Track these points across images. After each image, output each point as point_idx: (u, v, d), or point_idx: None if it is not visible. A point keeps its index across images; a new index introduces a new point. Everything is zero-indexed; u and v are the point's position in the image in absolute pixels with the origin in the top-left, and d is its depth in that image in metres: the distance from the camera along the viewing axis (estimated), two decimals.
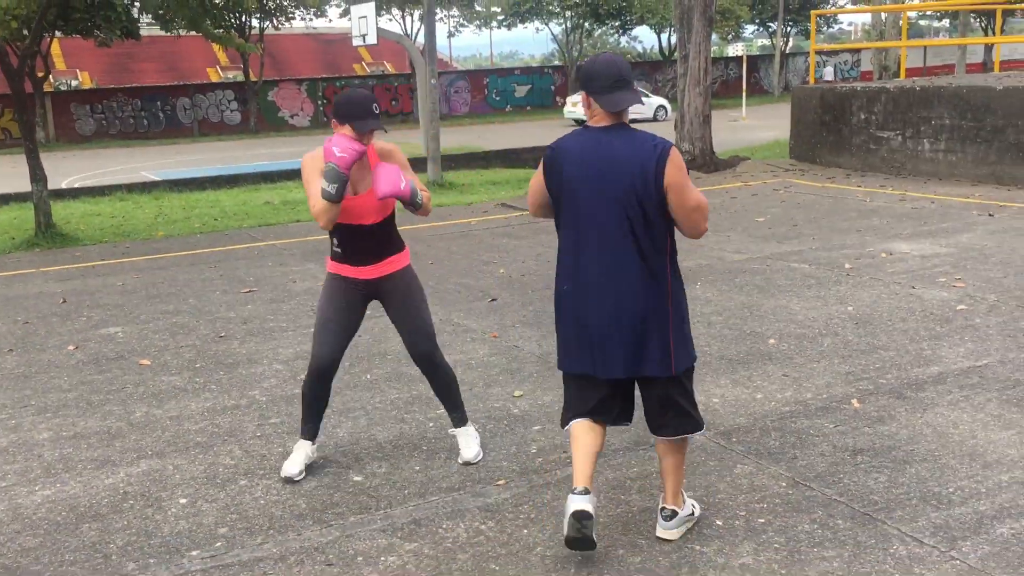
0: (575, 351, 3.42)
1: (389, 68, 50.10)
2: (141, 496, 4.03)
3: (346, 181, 3.76)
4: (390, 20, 44.36)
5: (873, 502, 3.67)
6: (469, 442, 4.29)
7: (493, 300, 7.20)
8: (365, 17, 24.82)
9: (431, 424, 4.72)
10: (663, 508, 3.50)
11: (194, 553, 3.53)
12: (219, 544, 3.59)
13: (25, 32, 11.22)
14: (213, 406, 5.12)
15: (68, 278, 8.83)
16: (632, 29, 49.13)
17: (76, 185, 20.13)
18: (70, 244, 10.87)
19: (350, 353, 5.93)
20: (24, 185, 18.42)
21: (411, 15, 46.19)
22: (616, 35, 50.73)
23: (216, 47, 47.34)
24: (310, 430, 4.23)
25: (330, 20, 43.65)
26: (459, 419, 4.33)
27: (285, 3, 37.30)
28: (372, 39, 24.63)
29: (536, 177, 3.50)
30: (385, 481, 4.09)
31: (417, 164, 19.55)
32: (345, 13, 42.59)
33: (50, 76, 36.48)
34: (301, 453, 4.19)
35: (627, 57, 59.36)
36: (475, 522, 3.69)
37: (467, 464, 4.22)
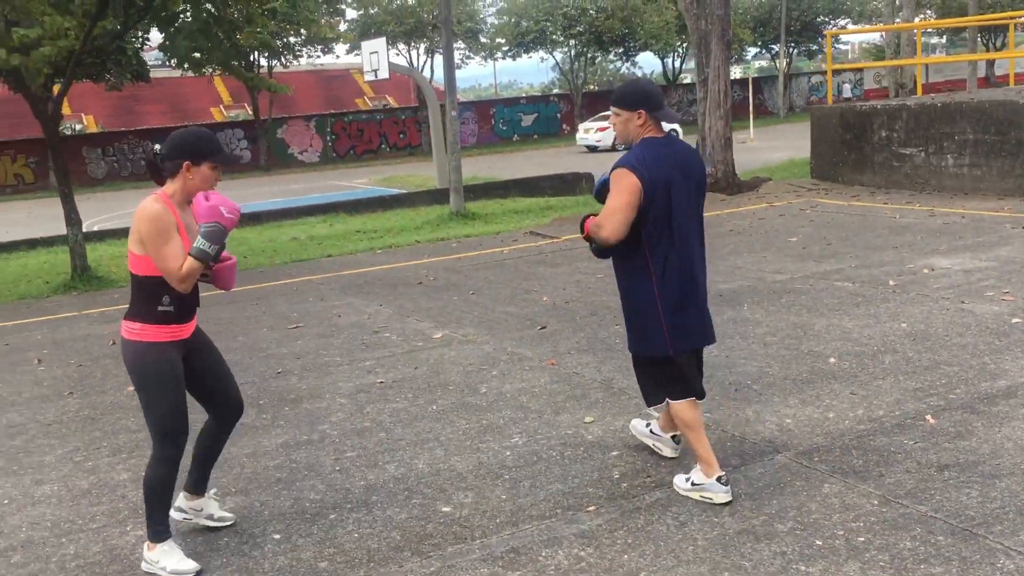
0: (694, 329, 4.01)
1: (392, 102, 50.48)
2: (235, 533, 4.06)
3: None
4: (396, 54, 44.76)
5: (970, 517, 3.68)
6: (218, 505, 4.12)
7: (542, 328, 7.24)
8: (376, 52, 25.18)
9: (508, 453, 4.75)
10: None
11: None
12: None
13: (58, 79, 11.35)
14: (286, 442, 5.16)
15: (112, 320, 8.89)
16: (636, 55, 49.47)
17: (96, 228, 20.27)
18: (106, 286, 10.95)
19: (412, 385, 6.00)
20: (48, 229, 18.61)
21: (416, 49, 46.62)
22: (620, 62, 51.07)
23: (220, 86, 47.90)
24: (166, 528, 3.76)
25: (337, 56, 43.95)
26: (206, 484, 4.10)
27: (293, 41, 37.66)
28: (384, 74, 24.97)
29: (627, 198, 3.81)
30: (474, 511, 4.12)
31: (434, 196, 19.70)
32: (352, 49, 43.04)
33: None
34: (176, 549, 3.75)
35: None
36: (573, 549, 3.71)
37: (224, 523, 4.07)
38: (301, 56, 39.52)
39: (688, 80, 52.58)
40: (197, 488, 4.07)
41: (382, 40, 25.18)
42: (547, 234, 12.14)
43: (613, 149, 34.18)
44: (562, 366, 6.20)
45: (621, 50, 47.36)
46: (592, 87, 52.47)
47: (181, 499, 4.06)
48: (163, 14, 9.56)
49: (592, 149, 35.05)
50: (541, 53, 47.73)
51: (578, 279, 9.04)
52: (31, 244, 16.09)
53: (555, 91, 56.31)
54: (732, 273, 8.63)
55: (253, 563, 3.78)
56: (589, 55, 47.00)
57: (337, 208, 18.11)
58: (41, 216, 24.80)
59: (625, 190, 3.81)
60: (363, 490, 4.41)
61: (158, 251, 3.53)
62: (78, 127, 44.94)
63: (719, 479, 3.98)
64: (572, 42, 45.33)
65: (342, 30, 34.39)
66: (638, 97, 3.90)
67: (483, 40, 49.34)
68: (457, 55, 52.03)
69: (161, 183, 3.68)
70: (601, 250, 4.04)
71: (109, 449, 5.25)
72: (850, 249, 9.26)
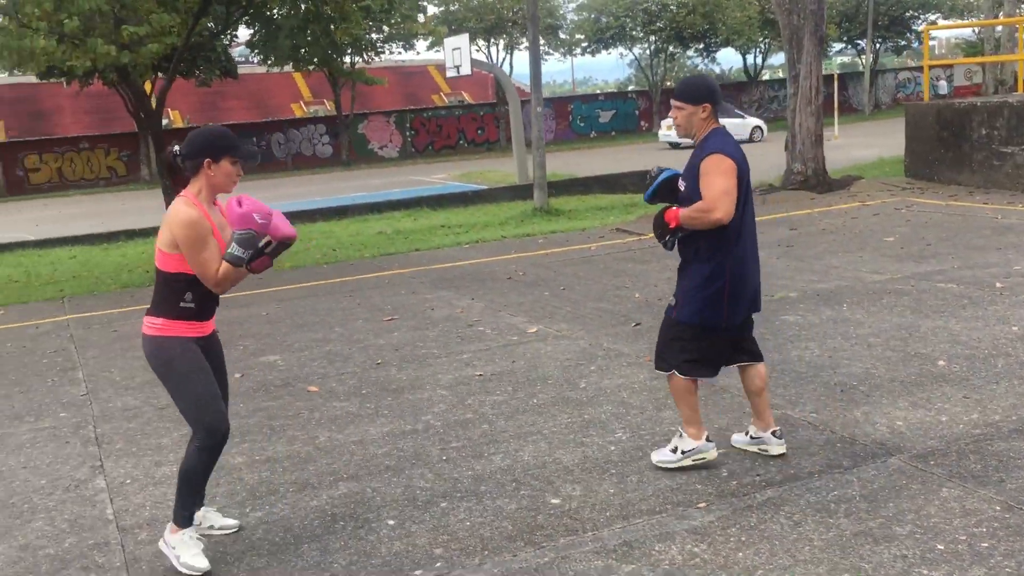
0: (743, 304, 4.28)
1: (467, 98, 50.74)
2: (350, 517, 4.16)
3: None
4: (476, 50, 44.95)
5: None
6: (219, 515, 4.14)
7: (637, 325, 7.22)
8: (459, 48, 25.35)
9: (612, 448, 4.76)
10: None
11: (417, 572, 3.63)
12: (439, 564, 3.68)
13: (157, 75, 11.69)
14: (392, 431, 5.25)
15: None
16: (716, 52, 48.86)
17: None
18: None
19: (511, 379, 6.06)
20: (138, 222, 19.18)
21: (496, 45, 46.77)
22: (699, 58, 50.49)
23: (300, 83, 48.71)
24: (191, 516, 3.84)
25: (417, 52, 44.33)
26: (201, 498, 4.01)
27: (376, 38, 38.09)
28: (466, 70, 25.12)
29: (733, 180, 4.09)
30: (583, 503, 4.14)
31: (515, 192, 19.76)
32: (432, 45, 43.37)
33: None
34: (197, 543, 3.79)
35: None
36: (687, 544, 3.71)
37: (228, 530, 4.07)
38: (383, 52, 39.93)
39: (767, 77, 51.77)
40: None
41: (465, 36, 25.32)
42: (634, 231, 12.09)
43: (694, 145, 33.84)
44: None
45: (701, 46, 46.80)
46: (670, 84, 52.00)
47: None
48: (264, 12, 9.78)
49: (675, 146, 34.68)
50: (620, 49, 47.47)
51: (668, 276, 8.98)
52: (129, 235, 16.62)
53: (632, 88, 55.94)
54: (828, 272, 8.49)
55: (370, 547, 3.87)
56: (668, 51, 46.57)
57: (420, 203, 18.31)
58: (133, 208, 25.57)
59: (728, 172, 4.06)
60: (471, 480, 4.47)
61: (196, 257, 3.61)
62: (165, 122, 46.20)
63: (707, 438, 4.35)
64: (652, 38, 44.97)
65: (432, 26, 34.64)
66: (703, 92, 4.20)
67: (562, 36, 49.25)
68: None
69: (179, 184, 3.76)
70: (676, 243, 4.33)
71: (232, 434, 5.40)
72: (951, 250, 9.03)
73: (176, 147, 3.78)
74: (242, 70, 38.73)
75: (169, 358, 3.73)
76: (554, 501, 4.19)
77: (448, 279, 9.85)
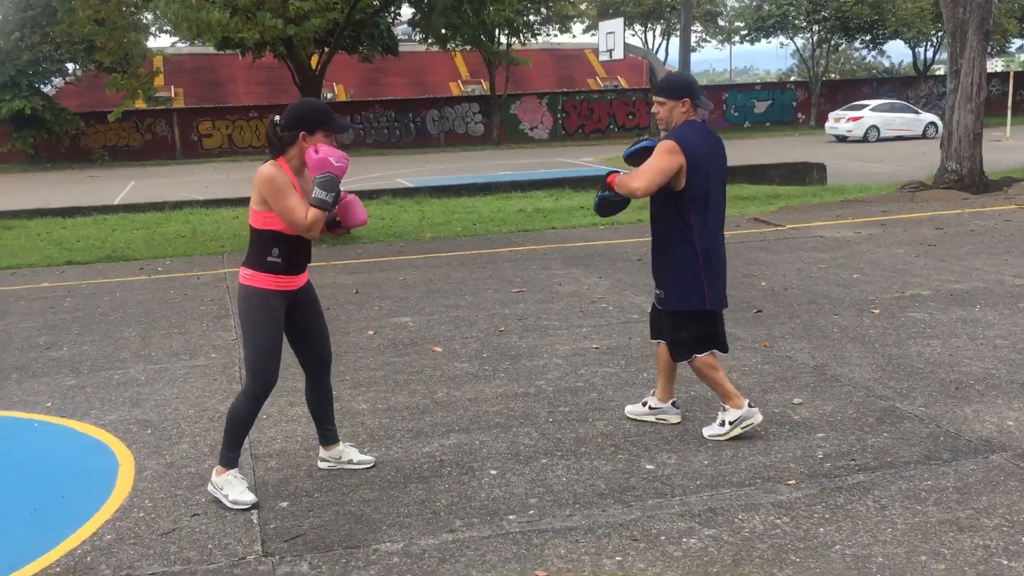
0: (720, 291, 4.60)
1: (623, 83, 50.55)
2: (456, 464, 4.49)
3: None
4: (632, 35, 44.75)
5: None
6: (357, 452, 4.49)
7: (758, 311, 7.28)
8: (612, 33, 25.40)
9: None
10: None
11: (511, 517, 3.91)
12: (532, 512, 3.96)
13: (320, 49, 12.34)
14: (505, 392, 5.56)
15: (356, 272, 9.72)
16: (883, 44, 46.89)
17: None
18: (352, 242, 11.89)
19: (625, 353, 6.26)
20: None
21: (653, 30, 46.38)
22: (866, 50, 48.60)
23: (459, 62, 49.72)
24: (237, 457, 4.16)
25: (573, 36, 44.54)
26: (335, 434, 4.45)
27: (533, 20, 38.53)
28: (619, 54, 25.15)
29: (670, 162, 4.36)
30: (676, 471, 4.33)
31: None
32: (588, 28, 43.47)
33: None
34: (242, 481, 4.13)
35: (874, 72, 56.76)
36: (770, 516, 3.85)
37: (365, 465, 4.44)
38: (539, 34, 40.32)
39: (941, 72, 49.31)
40: (327, 441, 4.45)
41: (619, 21, 25.35)
42: (772, 221, 12.00)
43: (864, 139, 32.84)
44: (775, 349, 6.25)
45: (868, 38, 45.02)
46: (833, 76, 50.33)
47: (321, 452, 4.48)
48: None
49: (841, 139, 33.69)
50: (781, 38, 46.22)
51: (799, 267, 8.96)
52: None
53: (792, 78, 54.40)
54: (967, 274, 8.27)
55: (471, 491, 4.18)
56: (832, 42, 45.03)
57: (563, 183, 18.55)
58: None
59: (669, 152, 4.35)
60: (573, 441, 4.72)
61: (282, 206, 3.87)
62: (329, 96, 48.08)
63: (750, 404, 4.63)
64: (815, 28, 43.59)
65: (583, 8, 34.75)
66: (683, 88, 4.50)
67: (721, 23, 48.35)
68: (693, 38, 51.33)
69: (276, 156, 4.01)
70: (608, 205, 4.65)
71: (351, 383, 5.84)
72: None
73: (276, 118, 4.05)
74: (404, 48, 39.88)
75: (249, 307, 4.05)
76: (648, 467, 4.39)
77: (579, 257, 10.08)
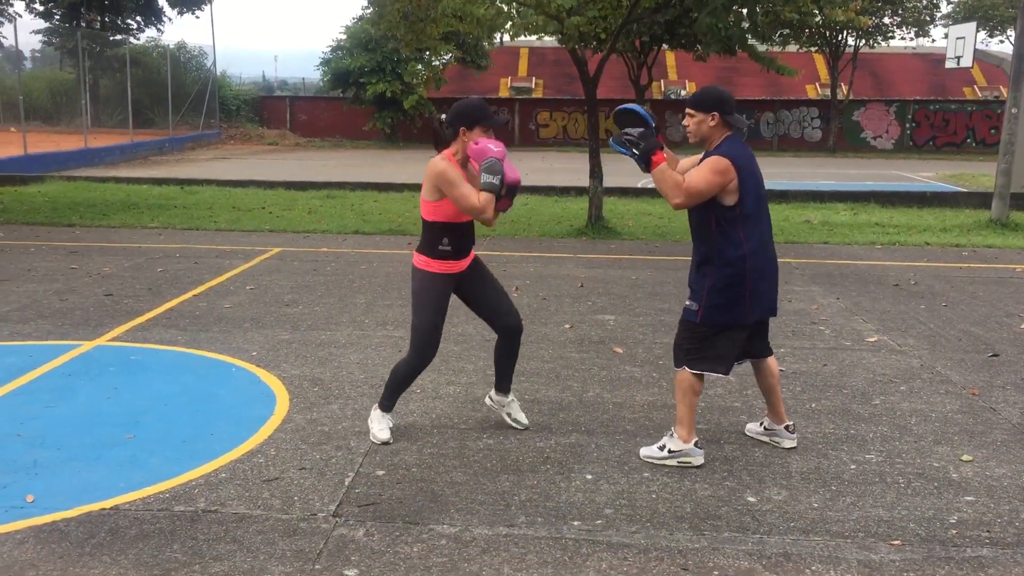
0: (763, 301, 4.43)
1: (1004, 94, 45.75)
2: (558, 463, 4.49)
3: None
4: (1000, 42, 40.54)
5: None
6: (519, 409, 4.95)
7: (994, 355, 6.46)
8: (963, 38, 23.20)
9: (853, 466, 4.49)
10: None
11: (576, 523, 3.87)
12: (600, 522, 3.89)
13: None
14: (654, 402, 5.43)
15: (594, 266, 9.83)
16: None
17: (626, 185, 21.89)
18: (611, 237, 12.01)
19: (808, 380, 5.86)
20: (568, 179, 20.60)
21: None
22: None
23: (819, 63, 47.65)
24: (392, 404, 4.78)
25: (933, 40, 41.00)
26: (508, 387, 4.90)
27: (887, 21, 36.07)
28: (967, 61, 22.88)
29: (717, 182, 4.23)
30: (776, 508, 4.03)
31: (983, 199, 17.74)
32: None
33: (661, 85, 40.12)
34: (388, 421, 4.75)
35: None
36: (848, 574, 3.49)
37: (519, 425, 4.88)
38: (892, 37, 37.63)
39: None
40: (500, 387, 4.93)
41: (971, 25, 22.99)
42: None
43: None
44: (983, 398, 5.54)
45: None
46: None
47: (492, 393, 5.00)
48: None
49: None
50: None
51: None
52: (579, 191, 18.01)
53: None
54: None
55: (554, 491, 4.17)
56: None
57: (869, 197, 17.29)
58: (568, 168, 27.34)
59: (718, 173, 4.20)
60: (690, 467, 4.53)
61: (456, 194, 4.31)
62: (682, 92, 48.13)
63: (696, 444, 4.44)
64: None
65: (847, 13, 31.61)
66: (712, 101, 4.35)
67: None
68: None
69: (441, 150, 4.47)
70: (642, 160, 4.31)
71: (516, 371, 5.97)
72: None
73: (443, 116, 4.52)
74: (761, 48, 38.93)
75: (421, 288, 4.59)
76: (750, 499, 4.13)
77: (830, 275, 9.46)
